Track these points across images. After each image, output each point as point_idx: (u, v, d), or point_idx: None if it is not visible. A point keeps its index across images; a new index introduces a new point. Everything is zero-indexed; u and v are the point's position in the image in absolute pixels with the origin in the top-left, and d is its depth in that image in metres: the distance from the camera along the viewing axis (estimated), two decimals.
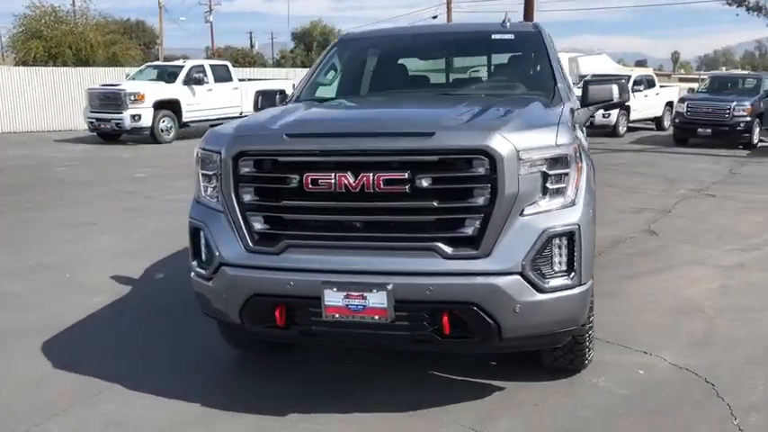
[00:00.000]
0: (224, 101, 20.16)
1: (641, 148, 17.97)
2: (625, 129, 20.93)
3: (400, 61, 5.25)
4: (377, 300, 3.22)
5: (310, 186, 3.28)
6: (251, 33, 69.36)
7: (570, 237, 3.30)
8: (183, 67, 20.09)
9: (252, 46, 73.48)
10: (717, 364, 4.10)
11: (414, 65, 5.28)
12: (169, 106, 18.94)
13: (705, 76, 23.58)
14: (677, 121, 18.65)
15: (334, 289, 3.26)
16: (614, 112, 20.04)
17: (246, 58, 56.84)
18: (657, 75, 26.01)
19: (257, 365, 4.30)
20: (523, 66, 4.96)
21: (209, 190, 3.68)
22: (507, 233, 3.22)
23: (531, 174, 3.25)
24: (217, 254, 3.50)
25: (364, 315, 3.25)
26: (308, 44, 47.79)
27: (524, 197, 3.23)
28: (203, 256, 3.66)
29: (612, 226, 7.89)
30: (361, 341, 3.60)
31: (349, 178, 3.22)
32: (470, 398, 3.75)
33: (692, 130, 17.87)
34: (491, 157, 3.15)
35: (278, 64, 50.44)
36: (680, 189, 10.88)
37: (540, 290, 3.24)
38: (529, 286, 3.21)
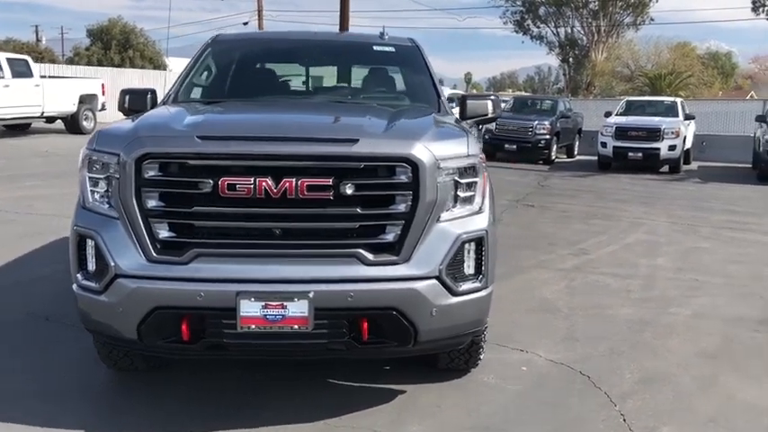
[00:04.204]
0: (22, 99, 18.25)
1: None
2: None
3: (278, 67, 5.14)
4: (297, 309, 3.14)
5: (226, 192, 3.12)
6: (37, 27, 63.33)
7: (479, 242, 3.46)
8: None
9: (38, 40, 67.24)
10: (586, 357, 4.50)
11: (293, 70, 5.20)
12: None
13: (508, 98, 25.64)
14: (487, 137, 20.09)
15: (252, 299, 3.12)
16: None
17: (33, 53, 51.91)
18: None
19: (137, 385, 3.96)
20: (406, 78, 5.08)
21: (99, 195, 3.35)
22: (426, 239, 3.30)
23: (446, 182, 3.37)
24: (112, 264, 3.19)
25: (283, 325, 3.15)
26: (107, 42, 44.78)
27: (441, 204, 3.34)
28: (92, 268, 3.31)
29: None
30: (274, 352, 3.48)
31: (270, 183, 3.10)
32: (376, 403, 3.76)
33: (500, 145, 19.39)
34: (414, 164, 3.22)
35: (71, 61, 46.61)
36: (501, 200, 11.71)
37: (454, 293, 3.35)
38: (444, 290, 3.32)
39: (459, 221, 3.42)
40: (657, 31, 56.32)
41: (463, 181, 3.45)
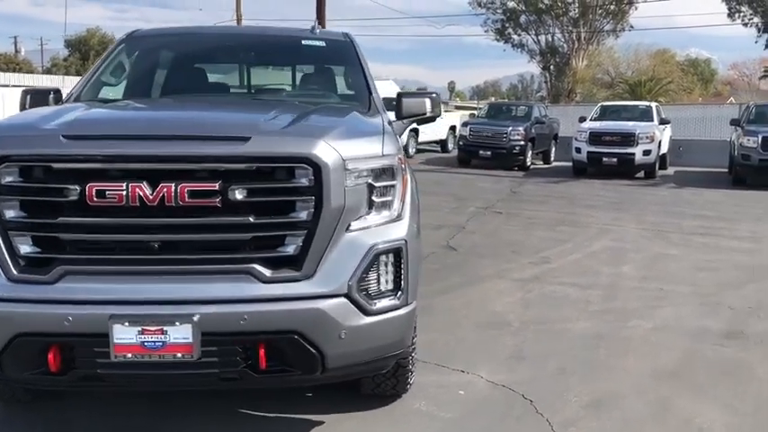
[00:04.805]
0: None
1: (430, 168, 18.78)
2: (414, 150, 21.83)
3: (198, 63, 4.71)
4: (180, 334, 2.71)
5: (95, 199, 2.69)
6: (15, 38, 62.61)
7: (397, 253, 3.06)
8: None
9: (17, 51, 66.49)
10: (532, 378, 4.10)
11: (214, 68, 4.78)
12: None
13: (483, 104, 25.44)
14: (461, 143, 19.83)
15: (126, 323, 2.68)
16: (405, 135, 20.78)
17: (11, 64, 51.47)
18: None
19: (29, 415, 3.51)
20: (337, 74, 4.70)
21: None
22: (332, 251, 2.89)
23: (357, 185, 2.96)
24: None
25: (164, 353, 2.72)
26: (85, 53, 44.32)
27: (351, 211, 2.93)
28: None
29: None
30: (157, 384, 3.04)
31: (145, 189, 2.68)
32: None
33: (475, 152, 19.10)
34: (316, 165, 2.81)
35: (48, 71, 46.15)
36: (470, 207, 11.39)
37: (367, 312, 2.94)
38: (355, 309, 2.90)
39: (374, 230, 3.02)
40: (638, 39, 56.49)
41: (378, 184, 3.05)
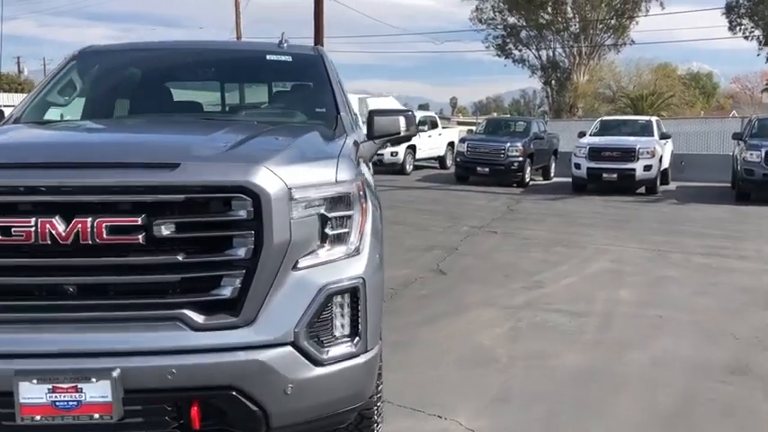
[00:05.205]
0: None
1: (427, 185, 18.45)
2: (412, 167, 21.51)
3: (152, 81, 4.37)
4: (97, 392, 2.35)
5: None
6: (18, 58, 62.81)
7: (354, 293, 2.70)
8: None
9: (20, 71, 66.69)
10: (516, 424, 3.72)
11: (171, 86, 4.44)
12: None
13: (482, 119, 25.20)
14: (459, 160, 19.48)
15: (34, 380, 2.33)
16: (402, 151, 20.57)
17: (13, 84, 51.65)
18: (440, 118, 27.42)
19: None
20: (303, 91, 4.37)
21: None
22: (276, 293, 2.54)
23: (306, 217, 2.61)
24: None
25: (79, 414, 2.37)
26: None
27: (298, 246, 2.58)
28: None
29: (404, 266, 7.59)
30: None
31: (57, 225, 2.33)
32: None
33: (473, 168, 18.74)
34: (255, 195, 2.46)
35: None
36: (464, 226, 11.02)
37: (318, 363, 2.58)
38: (303, 359, 2.55)
39: (327, 268, 2.66)
40: (639, 53, 56.26)
41: (332, 215, 2.70)
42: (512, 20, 44.84)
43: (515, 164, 18.34)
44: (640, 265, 8.05)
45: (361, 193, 2.85)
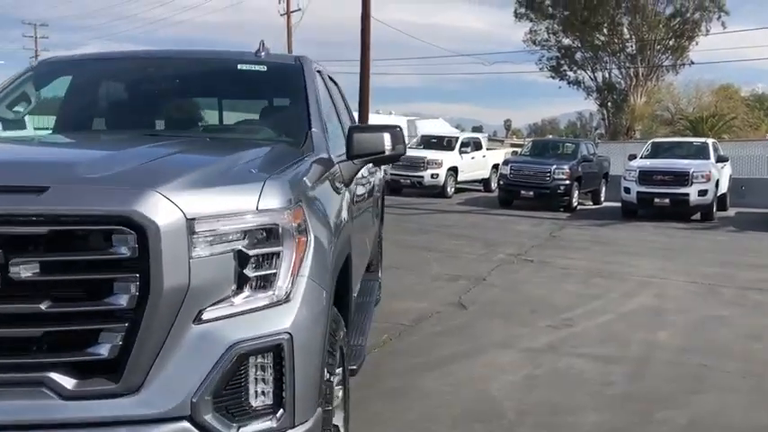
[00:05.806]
0: None
1: (468, 209, 17.77)
2: (453, 189, 20.87)
3: (106, 94, 3.97)
4: None
5: None
6: None
7: (278, 353, 2.15)
8: None
9: None
10: None
11: (128, 98, 4.00)
12: None
13: (528, 141, 24.44)
14: (501, 183, 18.78)
15: None
16: (443, 173, 20.03)
17: None
18: (492, 140, 26.79)
19: None
20: (273, 105, 3.87)
21: None
22: (171, 353, 2.02)
23: (215, 255, 2.09)
24: None
25: None
26: None
27: (202, 293, 2.06)
28: None
29: (423, 297, 7.01)
30: None
31: None
32: None
33: (516, 192, 18.01)
34: (139, 228, 1.95)
35: None
36: (499, 253, 10.33)
37: None
38: None
39: (242, 320, 2.13)
40: (699, 74, 54.31)
41: (254, 252, 2.16)
42: (566, 41, 43.98)
43: (561, 187, 17.49)
44: (686, 301, 7.23)
45: (296, 223, 2.29)
